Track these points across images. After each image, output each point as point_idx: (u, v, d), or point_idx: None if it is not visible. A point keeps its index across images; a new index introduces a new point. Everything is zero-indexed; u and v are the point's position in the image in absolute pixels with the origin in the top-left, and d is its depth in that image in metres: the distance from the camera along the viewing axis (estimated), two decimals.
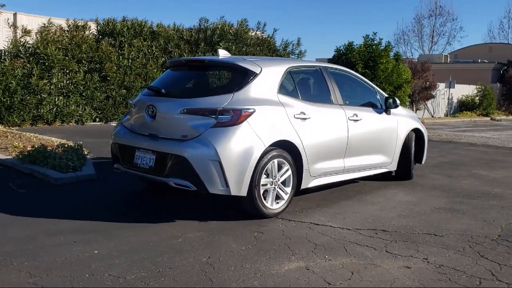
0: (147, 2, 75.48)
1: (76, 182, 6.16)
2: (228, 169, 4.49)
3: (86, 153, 7.31)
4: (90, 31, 13.89)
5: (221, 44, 15.64)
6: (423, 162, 7.44)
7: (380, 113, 6.40)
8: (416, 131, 7.07)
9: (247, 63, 5.01)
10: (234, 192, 4.56)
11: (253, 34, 16.90)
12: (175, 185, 4.67)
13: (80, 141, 7.57)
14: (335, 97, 5.78)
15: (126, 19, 14.48)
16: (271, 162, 4.81)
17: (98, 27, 14.23)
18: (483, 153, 10.85)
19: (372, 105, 6.38)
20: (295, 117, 5.08)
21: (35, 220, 4.60)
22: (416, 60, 32.29)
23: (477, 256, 4.07)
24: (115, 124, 5.66)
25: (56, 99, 12.37)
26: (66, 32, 13.26)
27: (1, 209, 4.88)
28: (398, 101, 6.46)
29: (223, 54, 5.36)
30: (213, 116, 4.59)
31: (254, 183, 4.66)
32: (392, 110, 6.56)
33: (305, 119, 5.18)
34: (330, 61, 23.48)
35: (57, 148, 7.08)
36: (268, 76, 5.03)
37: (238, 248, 4.06)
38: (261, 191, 4.77)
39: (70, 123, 12.76)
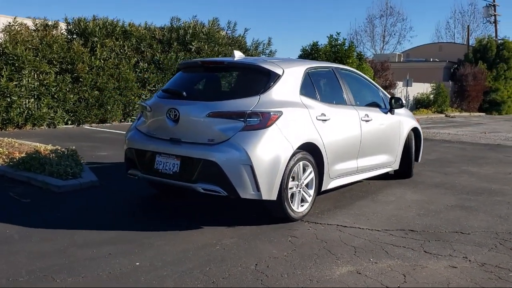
0: (114, 2, 73.26)
1: (79, 189, 5.86)
2: (259, 173, 4.39)
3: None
4: (61, 31, 13.33)
5: (193, 44, 15.43)
6: (419, 160, 7.57)
7: (385, 113, 6.46)
8: (415, 130, 7.18)
9: (269, 65, 4.92)
10: (265, 196, 4.47)
11: (224, 33, 16.76)
12: (203, 191, 4.52)
13: (72, 146, 7.23)
14: (348, 98, 5.79)
15: (97, 18, 14.00)
16: (297, 165, 4.74)
17: (69, 26, 13.68)
18: (462, 149, 11.19)
19: (377, 105, 6.43)
20: (317, 119, 5.04)
21: (55, 231, 4.33)
22: (373, 59, 33.02)
23: (511, 252, 4.16)
24: (129, 129, 5.40)
25: (27, 102, 11.78)
26: (35, 31, 12.66)
27: (12, 220, 4.57)
28: (403, 101, 6.54)
29: (238, 55, 5.24)
30: (242, 120, 4.48)
31: (283, 186, 4.58)
32: (395, 110, 6.63)
33: (325, 120, 5.15)
34: None
35: (50, 154, 6.72)
36: (291, 78, 4.96)
37: (280, 254, 3.97)
38: (289, 195, 4.70)
39: (42, 127, 12.19)
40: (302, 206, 4.90)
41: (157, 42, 14.94)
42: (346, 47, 22.95)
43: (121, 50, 14.04)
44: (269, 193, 4.47)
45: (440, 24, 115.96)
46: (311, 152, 4.93)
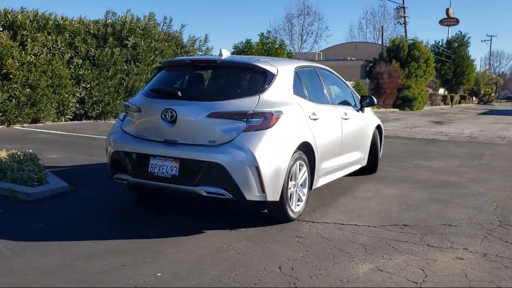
0: None
1: (49, 196, 5.44)
2: (265, 174, 4.32)
3: None
4: None
5: (130, 39, 14.88)
6: (380, 156, 7.86)
7: (357, 111, 6.62)
8: (378, 127, 7.44)
9: (264, 64, 4.85)
10: (270, 197, 4.41)
11: (159, 29, 16.31)
12: (206, 194, 4.38)
13: (29, 149, 6.67)
14: (329, 97, 5.87)
15: (25, 10, 13.02)
16: (295, 164, 4.73)
17: None
18: (404, 145, 11.78)
19: (350, 103, 6.57)
20: (310, 118, 5.06)
21: (49, 244, 3.99)
22: (299, 58, 33.82)
23: (502, 241, 4.44)
24: (112, 130, 5.08)
25: None
26: None
27: (7, 236, 4.15)
28: (375, 100, 6.75)
29: (226, 54, 5.11)
30: (244, 120, 4.38)
31: (285, 187, 4.56)
32: (365, 108, 6.82)
33: (316, 119, 5.18)
34: None
35: (7, 159, 6.16)
36: (284, 77, 4.93)
37: (296, 255, 3.94)
38: (289, 195, 4.68)
39: None
40: (298, 205, 4.90)
41: (91, 37, 14.20)
42: (277, 46, 23.28)
43: (54, 45, 13.19)
44: (273, 194, 4.43)
45: (353, 24, 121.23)
46: (305, 151, 4.94)
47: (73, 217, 4.81)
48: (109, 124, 13.87)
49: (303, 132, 4.87)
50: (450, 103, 51.31)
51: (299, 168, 4.86)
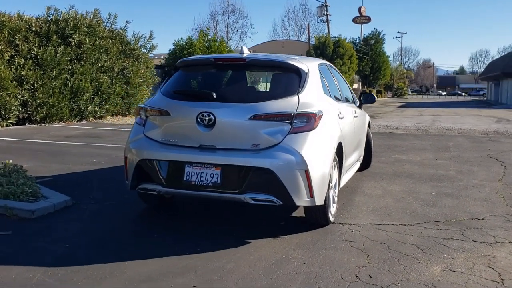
0: None
1: (53, 212, 4.88)
2: (314, 178, 4.11)
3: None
4: None
5: (74, 37, 13.94)
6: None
7: (359, 108, 6.58)
8: (369, 123, 7.47)
9: (296, 62, 4.61)
10: (318, 202, 4.21)
11: (103, 26, 15.44)
12: (253, 202, 4.09)
13: (9, 160, 5.96)
14: (341, 94, 5.76)
15: None
16: (331, 165, 4.57)
17: None
18: None
19: (353, 100, 6.51)
20: (339, 117, 4.91)
21: (95, 268, 3.53)
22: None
23: None
24: (132, 136, 4.62)
25: None
26: None
27: (18, 261, 3.61)
28: (375, 97, 6.73)
29: (246, 51, 4.83)
30: (288, 121, 4.14)
31: (328, 190, 4.38)
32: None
33: (342, 118, 5.05)
34: (170, 55, 22.91)
35: None
36: (314, 75, 4.73)
37: (361, 261, 3.77)
38: (330, 197, 4.52)
39: None
40: (333, 207, 4.75)
41: (34, 34, 13.13)
42: (217, 43, 23.03)
43: None
44: (320, 198, 4.23)
45: (276, 22, 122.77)
46: (337, 151, 4.79)
47: (94, 234, 4.32)
48: (58, 128, 12.95)
49: (337, 132, 4.72)
50: None
51: (334, 169, 4.71)
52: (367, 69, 59.38)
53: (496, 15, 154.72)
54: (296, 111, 4.17)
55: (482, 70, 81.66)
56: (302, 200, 4.13)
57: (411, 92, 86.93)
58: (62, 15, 14.02)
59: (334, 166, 4.71)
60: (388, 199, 5.74)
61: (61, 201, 5.03)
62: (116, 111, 16.42)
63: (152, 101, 4.64)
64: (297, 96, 4.32)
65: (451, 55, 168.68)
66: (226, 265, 3.64)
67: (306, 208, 4.44)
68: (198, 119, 4.17)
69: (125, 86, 16.30)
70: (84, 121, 14.99)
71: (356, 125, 5.92)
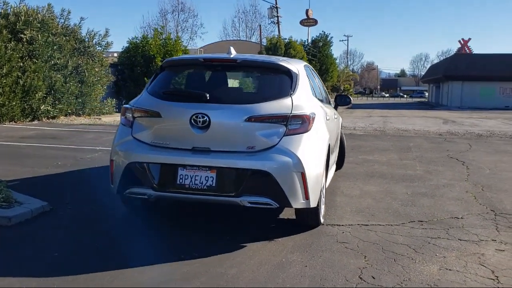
0: None
1: (31, 218, 4.62)
2: (309, 180, 4.11)
3: None
4: None
5: (26, 32, 13.31)
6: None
7: (335, 108, 6.65)
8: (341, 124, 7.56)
9: (286, 63, 4.59)
10: (312, 203, 4.21)
11: (57, 22, 14.84)
12: (249, 205, 4.03)
13: None
14: (321, 96, 5.78)
15: None
16: (325, 167, 4.58)
17: None
18: None
19: (329, 101, 6.57)
20: (326, 119, 4.94)
21: (93, 276, 3.37)
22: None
23: None
24: (118, 138, 4.44)
25: None
26: None
27: (12, 272, 3.39)
28: (351, 99, 6.81)
29: (234, 52, 4.76)
30: (283, 123, 4.12)
31: (321, 192, 4.40)
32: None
33: (328, 119, 5.08)
34: (124, 53, 22.31)
35: None
36: (304, 77, 4.73)
37: (360, 263, 3.81)
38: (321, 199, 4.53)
39: None
40: (322, 208, 4.76)
41: None
42: (173, 41, 22.77)
43: None
44: (315, 200, 4.24)
45: (227, 22, 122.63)
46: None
47: (81, 241, 4.13)
48: (9, 128, 12.31)
49: (327, 134, 4.74)
50: None
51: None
52: (316, 71, 60.37)
53: (436, 21, 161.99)
54: (291, 113, 4.15)
55: (423, 73, 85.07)
56: (298, 203, 4.11)
57: (355, 93, 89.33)
58: (12, 9, 13.34)
59: (325, 169, 4.73)
60: (368, 199, 5.83)
61: (38, 206, 4.77)
62: (70, 111, 15.82)
63: (139, 101, 4.48)
64: (290, 98, 4.30)
65: (393, 59, 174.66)
66: (229, 270, 3.57)
67: (297, 210, 4.43)
68: (192, 121, 4.07)
69: (79, 84, 15.74)
70: (36, 121, 14.34)
71: (336, 126, 5.98)
